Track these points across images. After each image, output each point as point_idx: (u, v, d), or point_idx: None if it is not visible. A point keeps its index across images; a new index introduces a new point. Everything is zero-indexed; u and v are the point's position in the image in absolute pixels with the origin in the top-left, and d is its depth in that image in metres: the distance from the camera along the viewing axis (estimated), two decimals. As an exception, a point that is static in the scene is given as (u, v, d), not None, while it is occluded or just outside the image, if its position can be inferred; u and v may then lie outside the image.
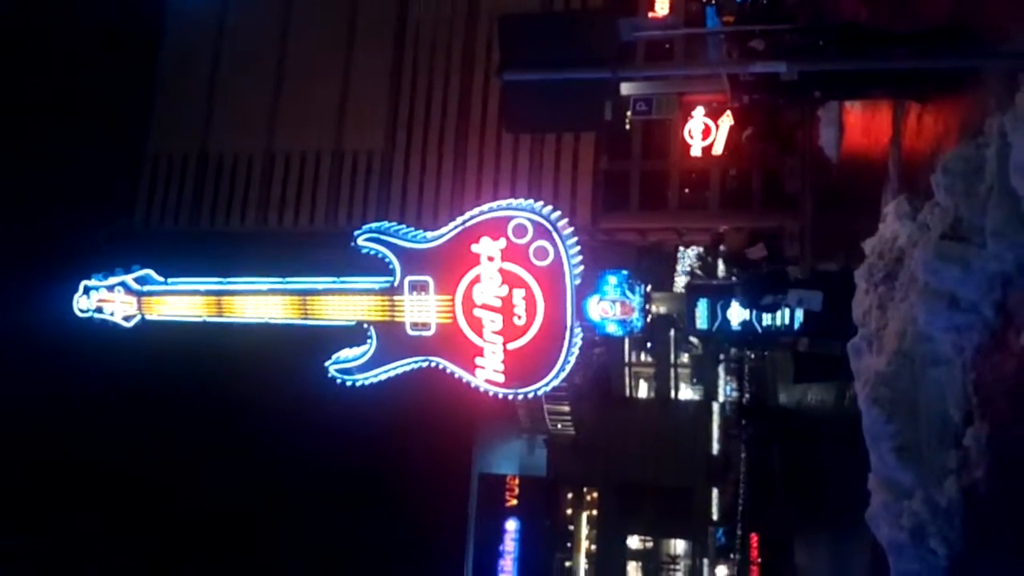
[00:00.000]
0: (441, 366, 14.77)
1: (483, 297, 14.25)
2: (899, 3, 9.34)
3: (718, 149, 25.12)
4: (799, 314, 13.32)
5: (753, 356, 31.29)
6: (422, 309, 14.69)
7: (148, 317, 17.57)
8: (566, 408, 38.21)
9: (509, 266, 14.06)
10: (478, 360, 14.40)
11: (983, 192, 6.60)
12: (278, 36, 29.56)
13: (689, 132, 25.17)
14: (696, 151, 25.25)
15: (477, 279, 14.26)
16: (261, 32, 29.68)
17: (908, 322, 7.66)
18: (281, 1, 29.78)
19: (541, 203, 14.26)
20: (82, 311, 18.02)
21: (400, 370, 15.04)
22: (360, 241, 14.93)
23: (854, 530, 9.87)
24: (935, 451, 7.24)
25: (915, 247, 7.72)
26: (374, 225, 15.18)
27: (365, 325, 15.12)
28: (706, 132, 24.90)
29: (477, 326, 14.35)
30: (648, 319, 15.42)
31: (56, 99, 31.87)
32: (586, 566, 43.08)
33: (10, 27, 31.90)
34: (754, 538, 32.40)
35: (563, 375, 14.30)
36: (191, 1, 30.54)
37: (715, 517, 39.43)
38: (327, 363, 15.23)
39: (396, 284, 14.82)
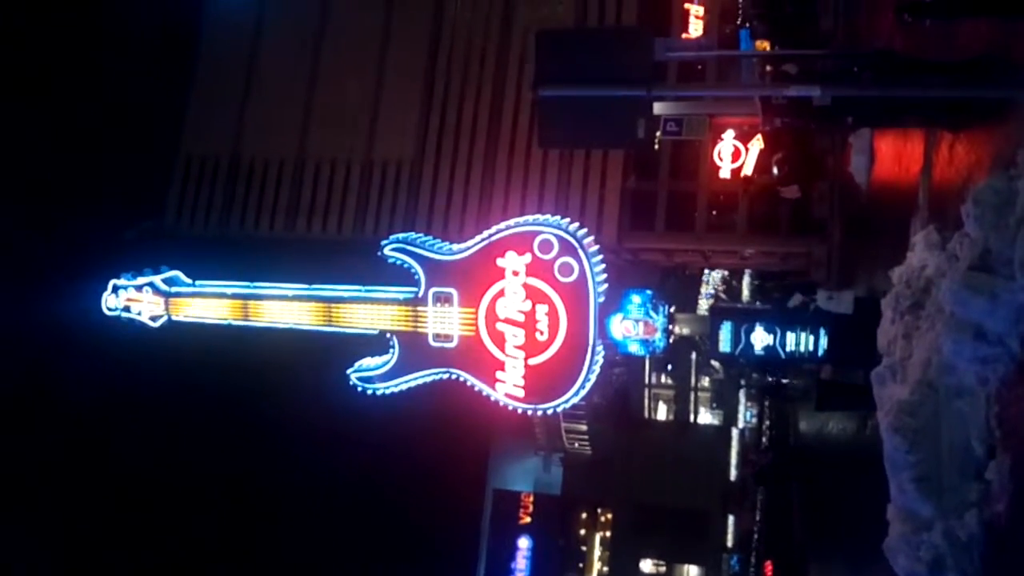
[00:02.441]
0: (462, 379, 14.81)
1: (506, 311, 14.29)
2: (936, 32, 9.33)
3: (747, 172, 25.06)
4: (823, 341, 13.26)
5: (773, 381, 31.16)
6: (445, 321, 14.75)
7: (175, 318, 17.76)
8: (584, 427, 38.10)
9: (533, 281, 14.10)
10: (499, 374, 14.42)
11: (1013, 224, 6.57)
12: (313, 43, 29.83)
13: (719, 154, 25.13)
14: (725, 173, 25.20)
15: (501, 293, 14.31)
16: (296, 39, 29.97)
17: (933, 352, 7.62)
18: (317, 8, 30.10)
19: (568, 220, 14.29)
20: (110, 309, 18.25)
21: (421, 381, 15.09)
22: (386, 251, 15.03)
23: (871, 561, 9.78)
24: (956, 483, 7.18)
25: (943, 277, 7.68)
26: (401, 235, 15.28)
27: (388, 334, 15.21)
28: (736, 155, 24.83)
29: (499, 340, 14.38)
30: (670, 340, 15.38)
31: (91, 100, 32.33)
32: (597, 587, 42.87)
33: (47, 30, 32.46)
34: (768, 566, 32.05)
35: (583, 393, 14.28)
36: (228, 5, 30.94)
37: (730, 544, 39.09)
38: (349, 371, 15.32)
39: (420, 295, 14.90)
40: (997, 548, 6.63)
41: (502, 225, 14.49)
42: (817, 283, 19.20)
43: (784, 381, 27.83)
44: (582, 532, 43.00)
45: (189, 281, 17.87)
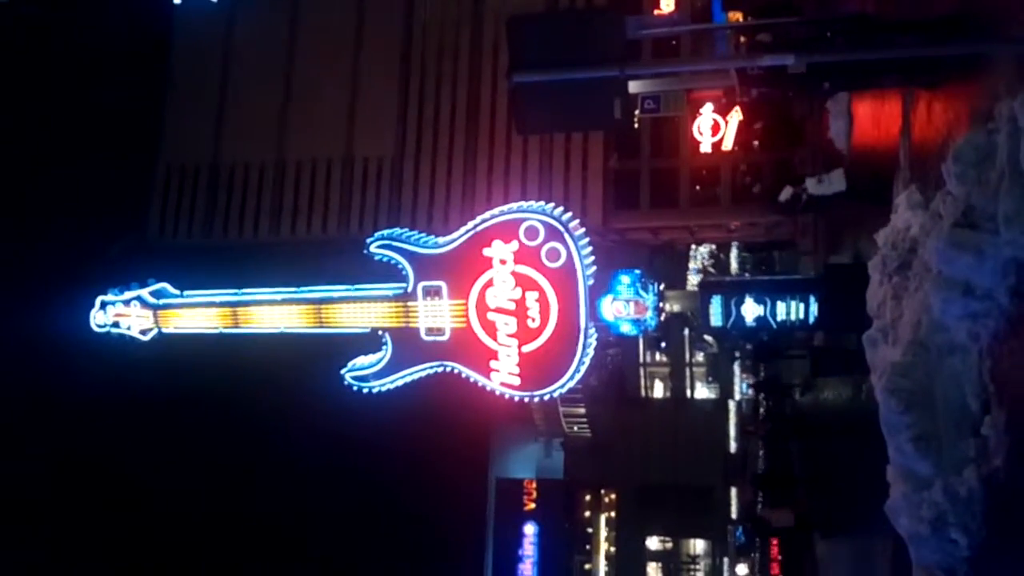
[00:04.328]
0: (456, 370, 14.79)
1: (497, 300, 14.26)
2: (905, -7, 9.34)
3: (728, 145, 25.08)
4: (813, 308, 13.29)
5: (767, 378, 31.25)
6: (436, 314, 14.72)
7: (165, 330, 17.67)
8: (582, 410, 38.14)
9: (522, 269, 14.07)
10: (493, 363, 14.40)
11: (995, 178, 6.58)
12: (286, 45, 29.71)
13: (698, 128, 25.13)
14: (706, 147, 25.21)
15: (490, 283, 14.27)
16: (269, 41, 29.84)
17: (923, 311, 7.64)
18: (288, 10, 29.94)
19: (552, 204, 14.26)
20: (99, 326, 18.13)
21: (415, 376, 15.06)
22: (373, 248, 14.98)
23: (874, 522, 9.83)
24: (953, 440, 7.21)
25: (928, 236, 7.70)
26: (386, 232, 15.23)
27: (380, 332, 15.16)
28: (715, 128, 24.86)
29: (491, 329, 14.36)
30: (662, 318, 15.40)
31: (67, 113, 32.07)
32: (606, 568, 42.98)
33: (22, 40, 32.17)
34: (774, 535, 32.17)
35: (578, 376, 14.27)
36: (200, 12, 30.73)
37: (734, 515, 39.27)
38: (343, 370, 15.28)
39: (410, 290, 14.85)
40: (997, 502, 6.67)
41: (487, 214, 14.45)
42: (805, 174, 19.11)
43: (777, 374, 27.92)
44: (587, 514, 43.11)
45: (177, 292, 17.76)
